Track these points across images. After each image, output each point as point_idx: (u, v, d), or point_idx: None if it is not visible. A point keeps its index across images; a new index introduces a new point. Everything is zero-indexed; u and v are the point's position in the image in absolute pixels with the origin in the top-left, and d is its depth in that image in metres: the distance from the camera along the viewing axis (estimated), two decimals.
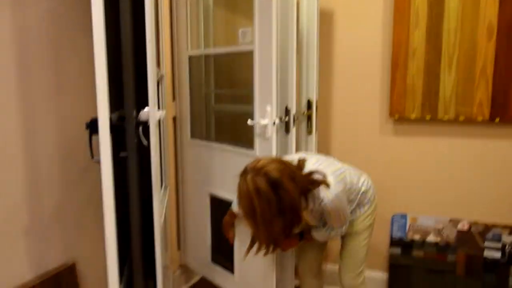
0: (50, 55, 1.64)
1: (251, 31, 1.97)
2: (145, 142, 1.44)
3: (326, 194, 1.61)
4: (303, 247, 2.04)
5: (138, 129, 1.41)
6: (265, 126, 1.90)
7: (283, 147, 2.08)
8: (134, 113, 1.37)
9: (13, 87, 1.52)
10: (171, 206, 2.54)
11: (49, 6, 1.60)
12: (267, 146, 1.90)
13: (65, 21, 1.68)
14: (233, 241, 2.14)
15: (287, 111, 1.98)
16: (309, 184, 1.59)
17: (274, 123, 1.88)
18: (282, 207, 1.46)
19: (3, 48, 1.48)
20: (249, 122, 1.94)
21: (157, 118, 1.50)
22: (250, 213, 1.47)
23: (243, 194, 1.48)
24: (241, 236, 2.13)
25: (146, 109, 1.44)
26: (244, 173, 1.50)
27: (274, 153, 1.90)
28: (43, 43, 1.61)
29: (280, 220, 1.49)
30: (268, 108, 1.87)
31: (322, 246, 2.07)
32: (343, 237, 1.93)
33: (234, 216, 2.02)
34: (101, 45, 1.21)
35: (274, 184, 1.44)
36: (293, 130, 2.03)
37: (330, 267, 2.58)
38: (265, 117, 1.89)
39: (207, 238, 2.39)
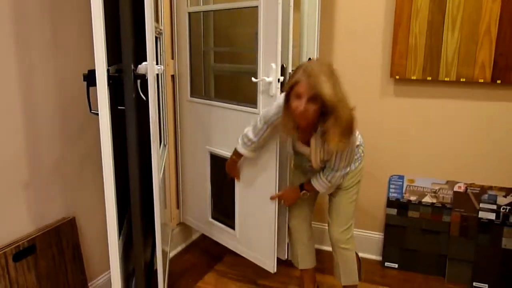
0: (47, 7, 1.61)
1: None
2: (143, 95, 1.43)
3: None
4: (294, 204, 2.06)
5: (136, 82, 1.39)
6: (270, 84, 1.88)
7: None
8: (132, 66, 1.35)
9: (11, 40, 1.50)
10: (170, 165, 2.55)
11: None
12: (271, 104, 1.89)
13: None
14: (239, 178, 2.17)
15: (283, 70, 1.95)
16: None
17: (278, 80, 1.87)
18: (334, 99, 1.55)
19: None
20: (254, 79, 1.92)
21: (156, 72, 1.49)
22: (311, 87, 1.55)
23: (314, 72, 1.55)
24: (244, 182, 2.16)
25: (144, 63, 1.42)
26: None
27: None
28: None
29: (317, 107, 1.58)
30: (273, 66, 1.85)
31: (312, 203, 2.10)
32: (332, 195, 1.97)
33: (239, 156, 2.03)
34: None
35: (336, 78, 1.61)
36: None
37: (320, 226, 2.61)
38: (269, 75, 1.88)
39: (207, 196, 2.42)
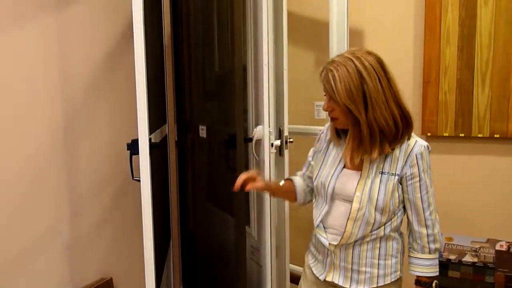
0: (92, 83, 1.72)
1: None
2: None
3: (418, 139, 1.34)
4: None
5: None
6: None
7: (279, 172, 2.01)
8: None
9: (59, 112, 1.59)
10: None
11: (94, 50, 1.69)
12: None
13: (108, 60, 1.75)
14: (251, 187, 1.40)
15: (280, 133, 1.90)
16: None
17: (272, 144, 1.76)
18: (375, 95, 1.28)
19: (52, 82, 1.56)
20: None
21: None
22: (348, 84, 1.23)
23: (335, 62, 1.25)
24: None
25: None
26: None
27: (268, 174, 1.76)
28: (86, 70, 1.69)
29: (341, 109, 1.26)
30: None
31: None
32: None
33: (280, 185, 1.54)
34: (142, 77, 1.25)
35: (383, 67, 1.32)
36: (285, 152, 1.95)
37: None
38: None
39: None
